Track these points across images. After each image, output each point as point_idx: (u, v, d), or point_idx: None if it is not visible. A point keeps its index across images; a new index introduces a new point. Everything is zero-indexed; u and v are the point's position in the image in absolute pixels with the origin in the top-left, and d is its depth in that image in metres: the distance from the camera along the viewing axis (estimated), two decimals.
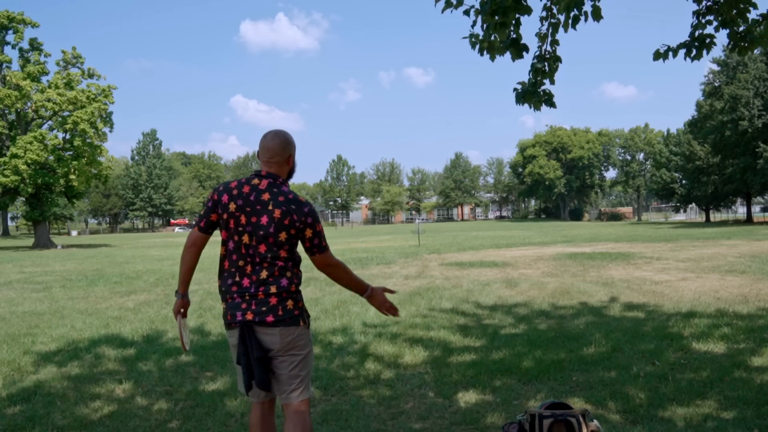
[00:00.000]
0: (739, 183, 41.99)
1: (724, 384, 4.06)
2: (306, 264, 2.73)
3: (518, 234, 32.15)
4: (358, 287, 2.73)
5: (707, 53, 4.42)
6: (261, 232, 2.46)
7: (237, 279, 2.50)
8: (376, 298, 2.75)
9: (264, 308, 2.46)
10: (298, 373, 2.53)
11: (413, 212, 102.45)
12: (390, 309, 2.78)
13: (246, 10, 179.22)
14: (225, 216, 2.51)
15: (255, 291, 2.46)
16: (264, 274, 2.47)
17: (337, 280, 2.72)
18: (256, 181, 2.53)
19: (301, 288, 2.61)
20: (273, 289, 2.47)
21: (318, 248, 2.57)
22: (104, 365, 5.12)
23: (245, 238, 2.48)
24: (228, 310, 2.53)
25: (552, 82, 4.53)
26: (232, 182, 2.56)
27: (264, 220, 2.46)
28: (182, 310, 2.80)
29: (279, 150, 2.58)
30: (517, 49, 4.18)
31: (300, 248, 2.60)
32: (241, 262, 2.50)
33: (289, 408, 2.54)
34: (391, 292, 2.81)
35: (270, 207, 2.47)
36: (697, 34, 4.43)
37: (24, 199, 34.88)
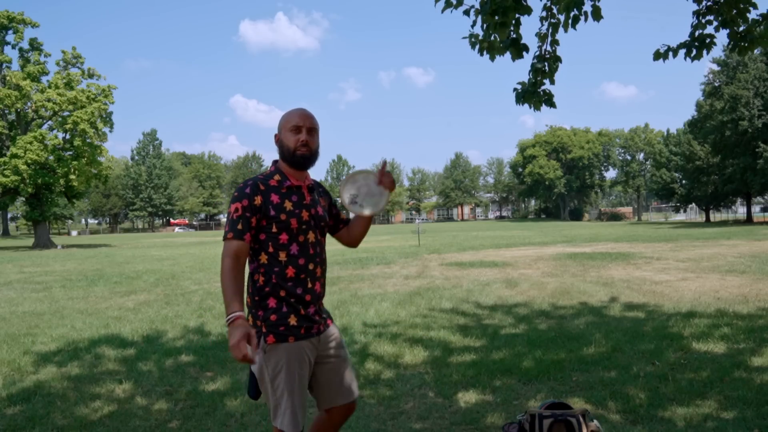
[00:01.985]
0: (739, 183, 42.00)
1: (724, 384, 4.06)
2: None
3: (518, 234, 32.15)
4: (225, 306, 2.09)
5: (707, 53, 4.42)
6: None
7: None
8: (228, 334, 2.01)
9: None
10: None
11: (413, 212, 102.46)
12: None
13: (245, 10, 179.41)
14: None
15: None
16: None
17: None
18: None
19: (268, 297, 2.23)
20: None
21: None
22: (104, 365, 5.12)
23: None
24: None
25: (552, 82, 4.54)
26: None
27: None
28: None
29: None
30: (517, 49, 4.18)
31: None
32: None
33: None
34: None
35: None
36: (697, 34, 4.43)
37: (24, 199, 34.89)
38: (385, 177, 2.45)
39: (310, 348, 2.27)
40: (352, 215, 2.52)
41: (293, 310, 2.22)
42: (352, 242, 2.56)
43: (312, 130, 2.31)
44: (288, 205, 2.24)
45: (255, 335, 2.01)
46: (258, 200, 2.20)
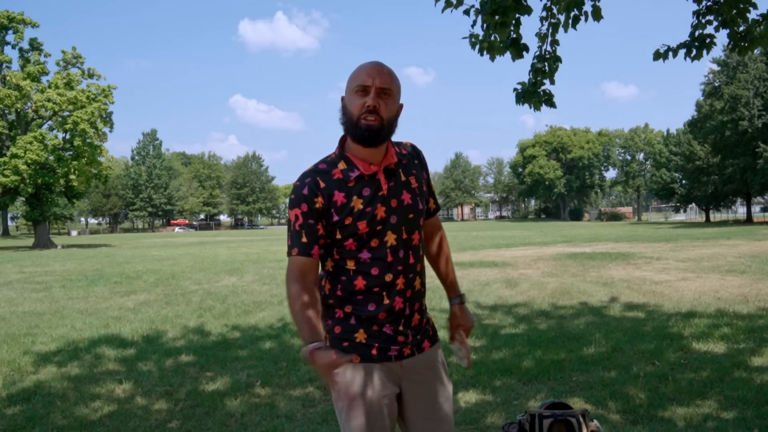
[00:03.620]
0: (739, 183, 42.01)
1: (724, 384, 4.06)
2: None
3: (518, 234, 32.14)
4: (300, 335, 1.71)
5: (707, 53, 4.42)
6: None
7: None
8: (311, 363, 1.63)
9: None
10: None
11: None
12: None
13: (245, 10, 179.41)
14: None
15: None
16: None
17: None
18: None
19: (334, 309, 1.79)
20: None
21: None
22: (104, 365, 5.12)
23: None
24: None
25: (552, 82, 4.53)
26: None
27: None
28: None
29: None
30: (517, 49, 4.18)
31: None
32: None
33: None
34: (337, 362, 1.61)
35: None
36: (697, 34, 4.43)
37: (24, 199, 34.86)
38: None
39: (386, 375, 1.75)
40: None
41: (364, 326, 1.74)
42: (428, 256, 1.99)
43: (383, 91, 1.68)
44: (357, 203, 1.69)
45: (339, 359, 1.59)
46: (319, 202, 1.69)
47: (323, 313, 1.77)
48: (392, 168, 1.76)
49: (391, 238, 1.73)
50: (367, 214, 1.70)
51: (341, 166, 1.72)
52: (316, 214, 1.69)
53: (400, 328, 1.78)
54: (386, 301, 1.74)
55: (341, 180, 1.70)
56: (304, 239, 1.70)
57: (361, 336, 1.73)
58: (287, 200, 1.82)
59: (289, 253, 1.72)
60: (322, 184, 1.69)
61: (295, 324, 1.71)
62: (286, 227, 1.87)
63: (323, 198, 1.69)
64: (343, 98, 1.74)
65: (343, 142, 1.77)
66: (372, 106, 1.65)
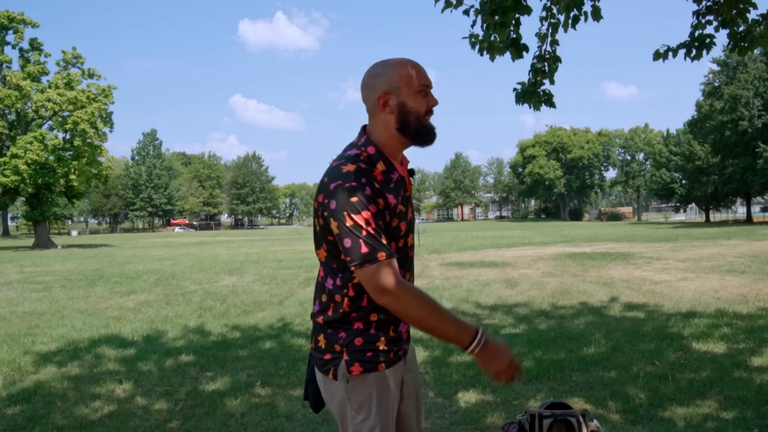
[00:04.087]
0: (739, 183, 42.01)
1: (724, 384, 4.06)
2: None
3: (518, 234, 32.15)
4: (450, 336, 1.59)
5: (707, 53, 4.42)
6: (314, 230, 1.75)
7: None
8: (492, 363, 1.61)
9: (312, 340, 1.79)
10: None
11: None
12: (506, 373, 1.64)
13: (244, 9, 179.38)
14: None
15: (311, 313, 1.79)
16: (318, 291, 1.76)
17: (406, 319, 1.63)
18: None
19: (352, 321, 1.67)
20: (313, 311, 1.76)
21: (351, 257, 1.54)
22: (104, 365, 5.12)
23: None
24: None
25: (552, 82, 4.53)
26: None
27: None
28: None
29: (363, 93, 1.71)
30: (517, 49, 4.18)
31: None
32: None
33: None
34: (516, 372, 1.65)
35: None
36: (697, 34, 4.43)
37: (24, 199, 34.85)
38: None
39: (399, 372, 1.78)
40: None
41: (383, 331, 1.69)
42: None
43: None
44: (400, 205, 1.67)
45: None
46: (381, 202, 1.60)
47: (335, 326, 1.68)
48: (411, 171, 1.79)
49: (410, 239, 1.76)
50: (404, 215, 1.69)
51: (380, 167, 1.64)
52: (381, 216, 1.58)
53: (407, 326, 1.78)
54: None
55: (384, 181, 1.63)
56: (384, 240, 1.55)
57: (382, 344, 1.68)
58: (340, 201, 1.54)
59: (374, 259, 1.51)
60: (376, 185, 1.59)
61: (438, 323, 1.56)
62: (313, 230, 1.73)
63: (383, 198, 1.60)
64: (386, 96, 1.64)
65: (370, 141, 1.67)
66: (434, 106, 1.68)
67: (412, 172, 1.78)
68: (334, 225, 1.56)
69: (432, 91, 1.71)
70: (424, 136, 1.67)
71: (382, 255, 1.52)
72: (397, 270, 1.55)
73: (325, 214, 1.59)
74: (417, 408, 1.91)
